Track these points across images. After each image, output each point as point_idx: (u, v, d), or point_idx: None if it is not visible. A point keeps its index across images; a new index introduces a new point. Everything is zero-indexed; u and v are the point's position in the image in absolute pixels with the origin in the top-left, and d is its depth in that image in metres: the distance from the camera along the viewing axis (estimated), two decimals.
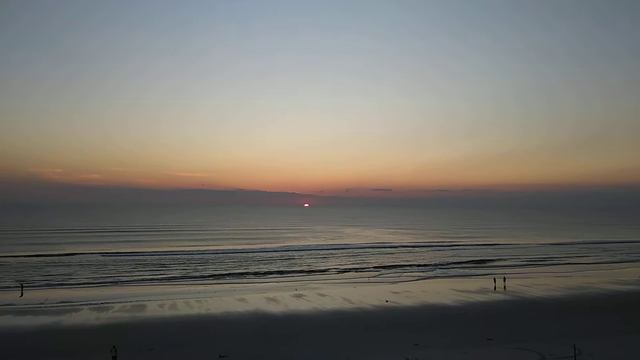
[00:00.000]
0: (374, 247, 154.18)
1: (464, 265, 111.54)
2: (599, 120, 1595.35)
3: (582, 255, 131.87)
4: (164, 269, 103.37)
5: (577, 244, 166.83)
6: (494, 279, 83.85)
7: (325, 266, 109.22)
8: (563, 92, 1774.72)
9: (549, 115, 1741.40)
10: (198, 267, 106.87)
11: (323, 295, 71.94)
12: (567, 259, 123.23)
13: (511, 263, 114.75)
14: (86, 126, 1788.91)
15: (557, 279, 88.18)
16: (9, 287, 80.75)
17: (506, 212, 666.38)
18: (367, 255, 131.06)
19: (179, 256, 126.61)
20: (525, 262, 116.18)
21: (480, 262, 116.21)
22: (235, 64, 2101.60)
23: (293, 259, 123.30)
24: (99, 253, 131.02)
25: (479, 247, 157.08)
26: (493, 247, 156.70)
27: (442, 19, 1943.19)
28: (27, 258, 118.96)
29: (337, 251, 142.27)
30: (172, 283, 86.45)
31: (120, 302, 66.91)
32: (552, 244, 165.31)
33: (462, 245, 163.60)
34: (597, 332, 47.95)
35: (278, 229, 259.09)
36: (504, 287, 78.94)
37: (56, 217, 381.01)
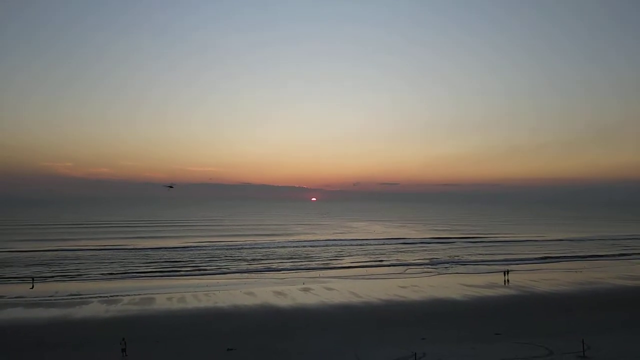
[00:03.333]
0: (381, 242, 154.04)
1: (472, 260, 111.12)
2: (611, 114, 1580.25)
3: (592, 250, 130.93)
4: (172, 262, 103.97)
5: (587, 239, 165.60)
6: (504, 273, 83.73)
7: (333, 260, 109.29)
8: (574, 86, 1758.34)
9: (560, 109, 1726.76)
10: (206, 260, 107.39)
11: (330, 289, 72.06)
12: (577, 254, 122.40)
13: (521, 257, 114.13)
14: (94, 120, 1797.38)
15: (566, 274, 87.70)
16: (20, 280, 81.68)
17: (516, 207, 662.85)
18: (374, 250, 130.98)
19: (187, 250, 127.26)
20: (534, 257, 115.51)
21: (489, 257, 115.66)
22: (239, 57, 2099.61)
23: (300, 253, 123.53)
24: (108, 247, 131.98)
25: (488, 242, 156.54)
26: (503, 242, 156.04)
27: (455, 13, 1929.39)
28: (37, 251, 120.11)
29: (344, 246, 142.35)
30: (181, 276, 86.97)
31: (129, 295, 67.43)
32: (562, 240, 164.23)
33: (471, 239, 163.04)
34: (606, 328, 47.65)
35: (285, 223, 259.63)
36: (508, 281, 78.93)
37: (66, 211, 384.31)
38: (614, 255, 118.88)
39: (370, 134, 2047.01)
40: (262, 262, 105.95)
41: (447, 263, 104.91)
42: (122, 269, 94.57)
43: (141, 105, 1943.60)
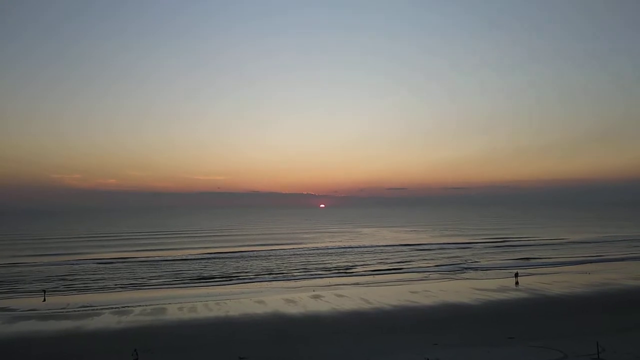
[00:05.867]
0: (391, 247, 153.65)
1: (483, 263, 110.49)
2: (616, 114, 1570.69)
3: (602, 251, 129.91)
4: (182, 272, 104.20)
5: (597, 240, 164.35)
6: (514, 275, 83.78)
7: (343, 267, 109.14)
8: (578, 87, 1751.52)
9: (564, 110, 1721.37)
10: (216, 269, 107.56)
11: (341, 295, 71.90)
12: (588, 255, 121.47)
13: (532, 259, 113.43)
14: (100, 131, 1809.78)
15: (578, 276, 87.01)
16: (32, 292, 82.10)
17: (523, 208, 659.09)
18: (384, 256, 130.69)
19: (197, 260, 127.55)
20: (545, 259, 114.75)
21: (501, 260, 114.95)
22: (245, 64, 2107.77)
23: (310, 260, 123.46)
24: (119, 258, 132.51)
25: (498, 245, 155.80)
26: (511, 244, 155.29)
27: (457, 17, 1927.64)
28: (49, 264, 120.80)
29: (354, 253, 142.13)
30: (191, 286, 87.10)
31: (140, 305, 67.59)
32: (571, 241, 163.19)
33: (481, 243, 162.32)
34: (620, 329, 47.20)
35: (294, 231, 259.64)
36: (517, 283, 78.92)
37: (76, 223, 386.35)
38: (626, 256, 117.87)
39: (376, 138, 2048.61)
40: (272, 270, 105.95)
41: (459, 267, 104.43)
42: (133, 279, 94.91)
43: (147, 115, 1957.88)
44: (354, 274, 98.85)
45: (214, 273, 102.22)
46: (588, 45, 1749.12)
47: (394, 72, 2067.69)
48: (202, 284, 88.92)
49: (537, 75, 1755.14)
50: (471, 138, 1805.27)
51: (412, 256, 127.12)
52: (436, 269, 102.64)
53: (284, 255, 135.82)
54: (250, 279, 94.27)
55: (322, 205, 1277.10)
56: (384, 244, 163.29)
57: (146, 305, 67.41)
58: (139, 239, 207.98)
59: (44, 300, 74.70)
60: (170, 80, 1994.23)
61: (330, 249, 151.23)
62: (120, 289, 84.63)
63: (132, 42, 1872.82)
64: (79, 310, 65.41)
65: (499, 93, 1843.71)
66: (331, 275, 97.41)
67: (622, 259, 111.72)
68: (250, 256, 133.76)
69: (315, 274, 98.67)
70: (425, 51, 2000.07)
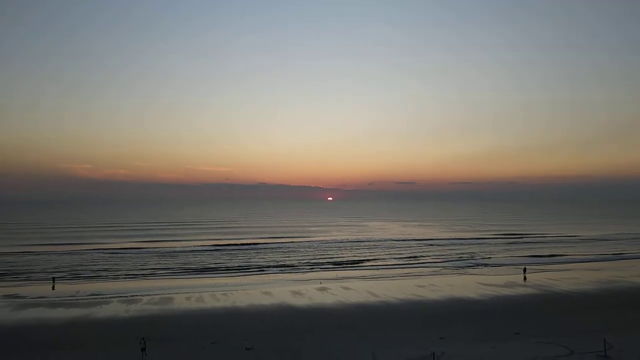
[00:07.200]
0: (399, 241, 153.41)
1: (491, 258, 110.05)
2: (627, 112, 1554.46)
3: (611, 248, 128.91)
4: (190, 262, 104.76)
5: (606, 237, 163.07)
6: (523, 270, 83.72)
7: (350, 260, 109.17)
8: (589, 83, 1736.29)
9: (575, 106, 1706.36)
10: (223, 260, 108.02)
11: (347, 288, 71.99)
12: (598, 252, 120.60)
13: (541, 255, 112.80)
14: (108, 122, 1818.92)
15: (586, 273, 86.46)
16: (42, 280, 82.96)
17: (532, 205, 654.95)
18: (392, 250, 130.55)
19: (205, 250, 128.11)
20: (554, 256, 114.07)
21: (509, 255, 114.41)
22: (252, 57, 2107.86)
23: (318, 253, 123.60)
24: (127, 247, 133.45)
25: (505, 241, 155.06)
26: (520, 241, 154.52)
27: (468, 10, 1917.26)
28: (58, 253, 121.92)
29: (362, 247, 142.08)
30: (199, 276, 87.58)
31: (148, 294, 68.12)
32: (580, 238, 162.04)
33: (488, 238, 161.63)
34: (628, 327, 46.90)
35: (302, 223, 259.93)
36: (525, 278, 78.93)
37: (85, 212, 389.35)
38: (633, 254, 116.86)
39: (385, 133, 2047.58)
40: (279, 262, 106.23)
41: (467, 262, 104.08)
42: (142, 269, 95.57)
43: (152, 106, 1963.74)
44: (361, 267, 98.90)
45: (222, 264, 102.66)
46: (599, 40, 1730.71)
47: (404, 65, 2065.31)
48: (209, 275, 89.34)
49: (547, 72, 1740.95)
50: (481, 134, 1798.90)
51: (421, 251, 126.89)
52: (444, 263, 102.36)
53: (292, 247, 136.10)
54: (258, 270, 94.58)
55: (330, 198, 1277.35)
56: (393, 238, 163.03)
57: (154, 295, 67.93)
58: (147, 229, 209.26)
59: (53, 288, 75.50)
60: (170, 73, 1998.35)
61: (339, 242, 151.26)
62: (129, 278, 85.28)
63: (135, 34, 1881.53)
64: (87, 298, 66.07)
65: (510, 89, 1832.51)
66: (338, 268, 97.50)
67: (633, 257, 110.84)
68: (258, 248, 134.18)
69: (323, 267, 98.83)
70: (435, 45, 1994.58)
